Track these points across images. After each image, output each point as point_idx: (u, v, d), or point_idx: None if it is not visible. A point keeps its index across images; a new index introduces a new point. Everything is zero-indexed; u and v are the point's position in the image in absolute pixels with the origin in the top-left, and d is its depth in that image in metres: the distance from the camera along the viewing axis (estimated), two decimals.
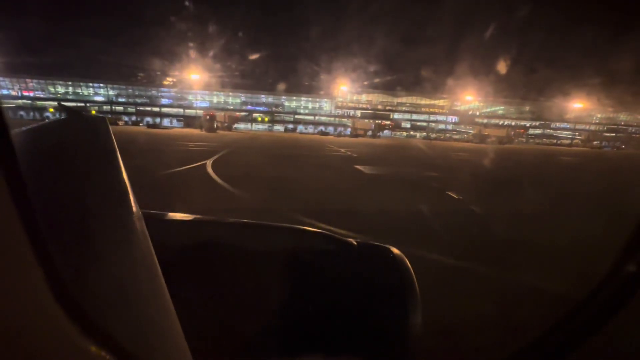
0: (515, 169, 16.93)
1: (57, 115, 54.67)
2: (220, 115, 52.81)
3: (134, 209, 0.55)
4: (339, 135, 56.56)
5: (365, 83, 69.74)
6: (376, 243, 0.85)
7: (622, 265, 0.61)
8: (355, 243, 0.83)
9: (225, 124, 51.89)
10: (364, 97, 70.36)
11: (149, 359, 0.39)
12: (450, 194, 8.55)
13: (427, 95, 70.44)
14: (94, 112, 59.65)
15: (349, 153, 20.75)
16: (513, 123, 71.23)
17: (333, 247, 0.84)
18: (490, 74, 65.92)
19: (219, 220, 0.92)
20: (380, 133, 65.84)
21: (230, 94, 66.72)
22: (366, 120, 64.16)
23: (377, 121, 63.94)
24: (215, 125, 47.98)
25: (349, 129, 61.53)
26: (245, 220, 0.91)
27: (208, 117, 46.51)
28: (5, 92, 59.51)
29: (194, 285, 0.70)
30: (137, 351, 0.37)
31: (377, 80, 72.74)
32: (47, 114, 59.95)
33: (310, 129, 65.68)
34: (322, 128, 64.31)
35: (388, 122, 67.11)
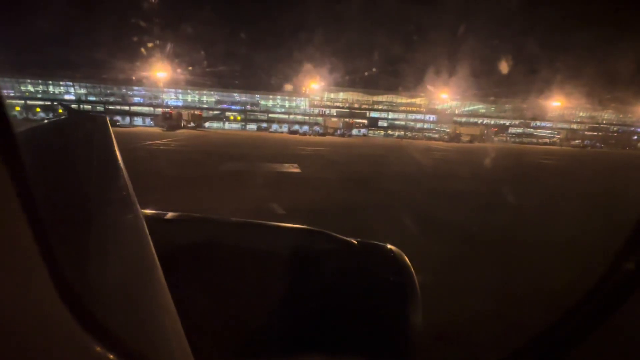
0: (429, 168, 16.15)
1: (25, 114, 54.52)
2: (185, 113, 52.09)
3: (135, 208, 0.55)
4: (305, 134, 55.79)
5: (341, 81, 69.07)
6: (376, 242, 0.86)
7: (621, 264, 0.61)
8: (355, 242, 0.84)
9: (190, 123, 51.10)
10: (341, 95, 69.65)
11: (150, 357, 0.38)
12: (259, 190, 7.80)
13: (405, 93, 69.76)
14: (60, 110, 59.00)
15: (263, 151, 20.01)
16: (492, 122, 70.58)
17: (334, 246, 0.85)
18: (469, 72, 65.29)
19: (220, 220, 0.93)
20: (358, 131, 65.12)
21: (205, 92, 65.96)
22: (335, 119, 63.47)
23: (345, 120, 63.20)
24: (181, 124, 47.25)
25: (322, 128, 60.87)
26: (246, 220, 0.91)
27: (168, 115, 45.76)
28: None
29: (195, 284, 0.70)
30: (139, 349, 0.38)
31: (354, 78, 72.05)
32: (14, 112, 59.22)
33: (285, 128, 64.93)
34: (295, 127, 63.51)
35: (360, 121, 66.36)
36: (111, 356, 0.34)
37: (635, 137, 66.19)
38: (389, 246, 0.84)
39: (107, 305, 0.39)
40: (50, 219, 0.37)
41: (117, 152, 0.65)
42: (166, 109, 50.64)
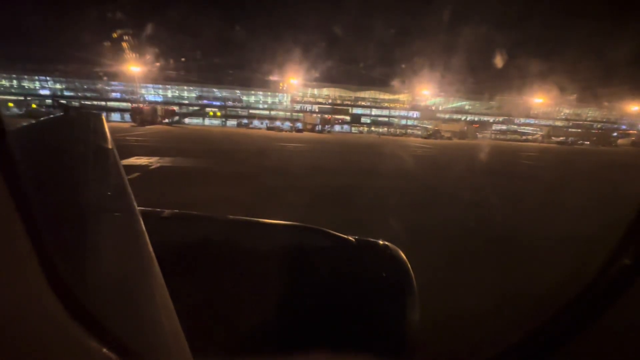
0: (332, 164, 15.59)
1: None
2: (159, 108, 51.21)
3: (131, 205, 0.55)
4: (281, 130, 55.16)
5: (324, 77, 68.35)
6: (374, 239, 0.87)
7: (617, 258, 0.62)
8: (353, 239, 0.85)
9: (165, 119, 50.22)
10: (325, 91, 69.00)
11: (148, 356, 0.38)
12: None
13: (388, 89, 69.23)
14: (34, 105, 57.82)
15: (203, 146, 19.37)
16: (476, 118, 70.34)
17: (331, 243, 0.86)
18: (454, 68, 64.81)
19: (217, 217, 0.93)
20: (341, 127, 64.49)
21: (185, 87, 64.93)
22: (314, 115, 62.88)
23: (323, 116, 62.56)
24: (155, 119, 46.43)
25: (300, 124, 60.20)
26: (244, 217, 0.92)
27: (138, 111, 44.95)
28: None
29: (192, 282, 0.71)
30: (137, 348, 0.38)
31: (336, 74, 71.39)
32: None
33: (266, 123, 64.14)
34: (276, 123, 62.70)
35: (339, 117, 65.76)
36: (108, 353, 0.34)
37: (615, 134, 66.20)
38: (386, 243, 0.85)
39: (104, 302, 0.39)
40: (45, 217, 0.38)
41: (114, 149, 0.65)
42: (136, 104, 49.61)
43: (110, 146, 0.65)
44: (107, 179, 0.59)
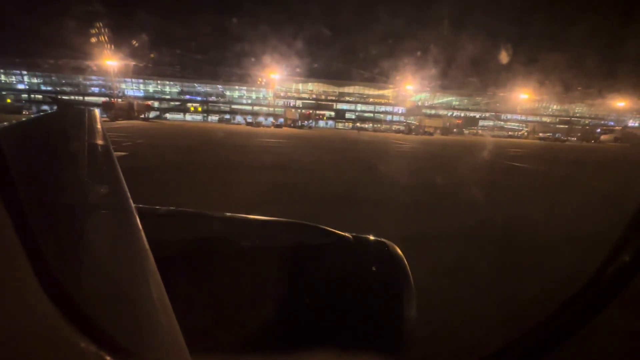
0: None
1: None
2: (135, 103, 50.13)
3: (127, 202, 0.54)
4: (259, 125, 54.33)
5: (307, 72, 67.48)
6: (371, 237, 0.88)
7: (617, 256, 0.63)
8: (350, 237, 0.86)
9: (142, 114, 49.18)
10: (310, 86, 68.17)
11: (145, 356, 0.38)
12: None
13: (373, 85, 68.51)
14: (9, 100, 56.55)
15: (150, 140, 18.63)
16: (462, 114, 69.87)
17: (329, 241, 0.86)
18: (441, 64, 64.16)
19: (215, 215, 0.93)
20: (325, 123, 63.74)
21: (167, 82, 63.79)
22: (293, 111, 62.20)
23: (302, 111, 61.80)
24: (131, 114, 45.43)
25: (282, 119, 59.46)
26: (241, 215, 0.92)
27: (109, 105, 43.96)
28: None
29: (190, 280, 0.70)
30: (133, 348, 0.37)
31: (320, 69, 70.51)
32: None
33: (249, 119, 63.30)
34: (259, 119, 61.88)
35: (320, 112, 65.05)
36: (102, 353, 0.33)
37: (599, 130, 66.02)
38: (383, 240, 0.85)
39: (98, 301, 0.39)
40: (38, 215, 0.37)
41: (109, 145, 0.64)
42: (107, 99, 48.57)
43: (104, 142, 0.63)
44: (102, 175, 0.57)
